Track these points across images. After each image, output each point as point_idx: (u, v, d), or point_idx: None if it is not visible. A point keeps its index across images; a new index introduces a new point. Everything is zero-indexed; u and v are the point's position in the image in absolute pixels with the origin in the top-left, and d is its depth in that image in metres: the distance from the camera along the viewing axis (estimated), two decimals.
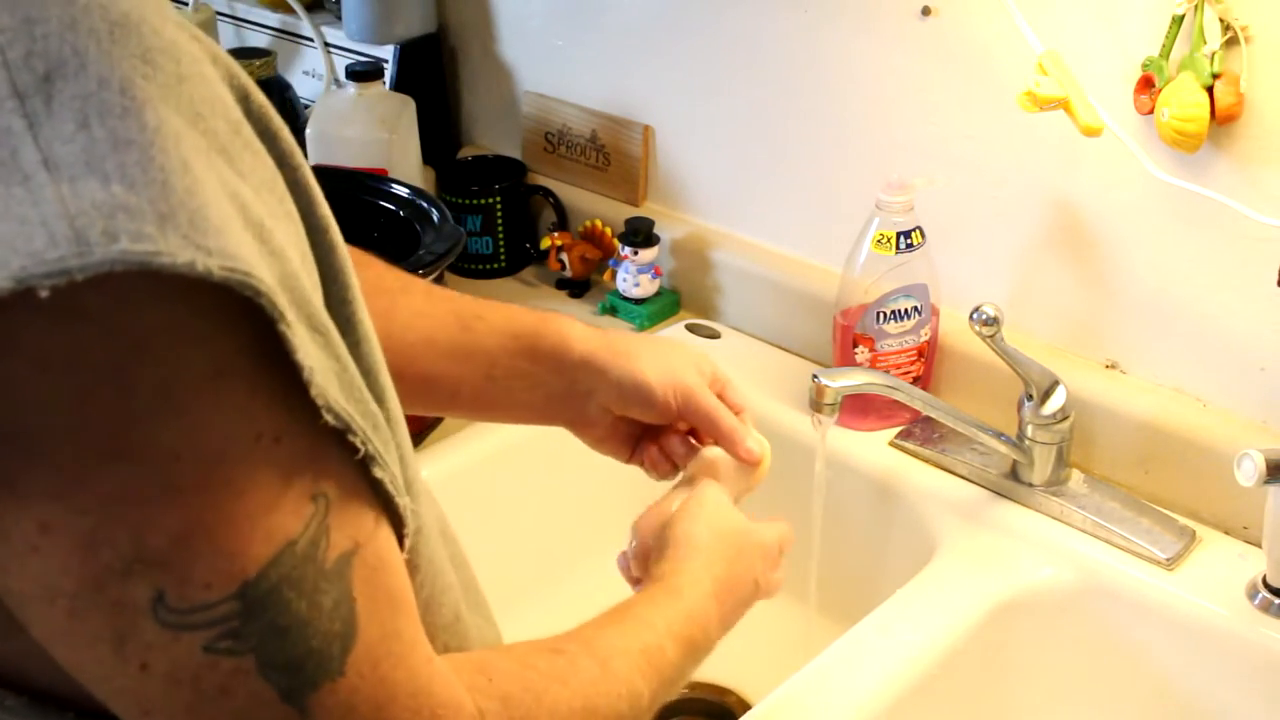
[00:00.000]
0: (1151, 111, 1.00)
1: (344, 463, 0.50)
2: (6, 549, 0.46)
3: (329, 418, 0.48)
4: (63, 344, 0.43)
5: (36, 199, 0.42)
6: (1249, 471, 0.92)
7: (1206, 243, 1.04)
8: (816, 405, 1.04)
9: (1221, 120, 0.97)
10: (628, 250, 1.38)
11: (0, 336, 0.42)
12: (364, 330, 0.55)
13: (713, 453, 0.89)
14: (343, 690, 0.50)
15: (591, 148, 1.48)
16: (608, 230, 1.45)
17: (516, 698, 0.60)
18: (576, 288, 1.48)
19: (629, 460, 0.92)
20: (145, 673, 0.47)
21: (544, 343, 0.85)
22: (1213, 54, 0.96)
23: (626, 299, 1.41)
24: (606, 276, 1.44)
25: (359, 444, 0.50)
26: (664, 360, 0.88)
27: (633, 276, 1.39)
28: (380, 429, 0.53)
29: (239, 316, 0.45)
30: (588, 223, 1.47)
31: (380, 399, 0.54)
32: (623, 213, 1.43)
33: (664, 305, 1.41)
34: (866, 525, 1.19)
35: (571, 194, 1.51)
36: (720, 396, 0.91)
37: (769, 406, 1.24)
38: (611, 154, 1.46)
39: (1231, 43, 0.96)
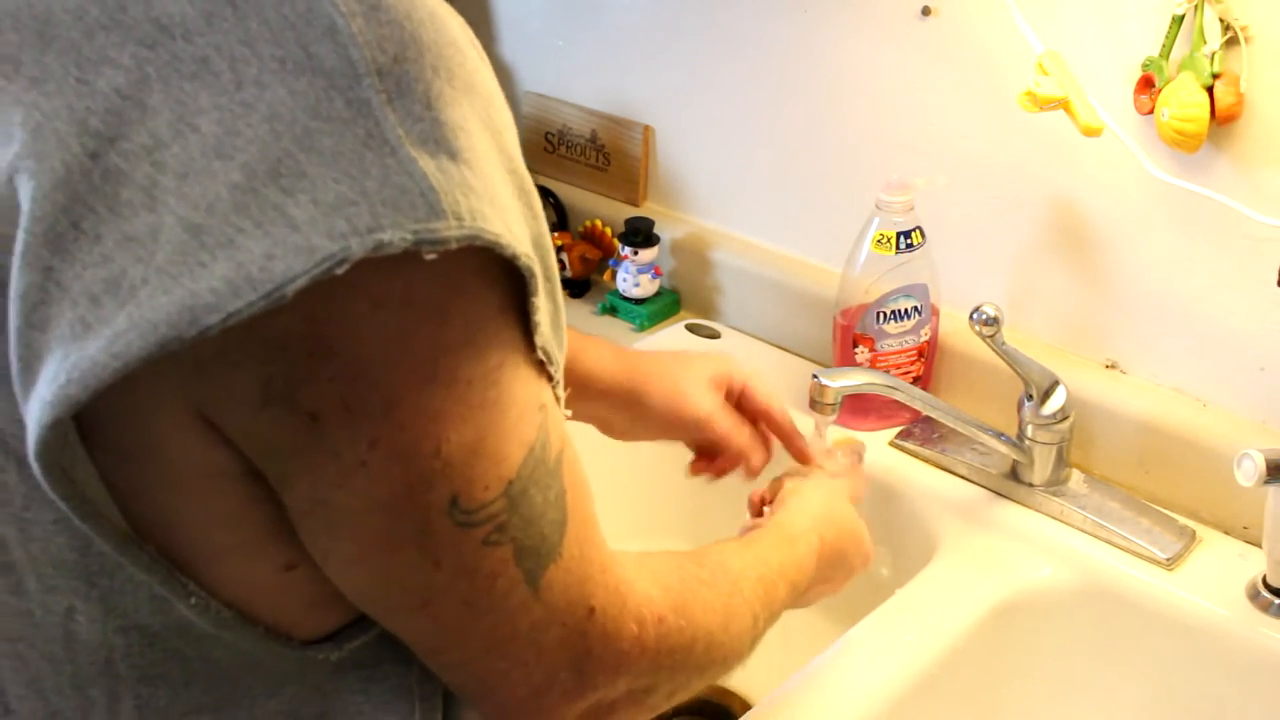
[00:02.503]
0: (1151, 111, 1.00)
1: (549, 379, 0.58)
2: (338, 466, 0.52)
3: (541, 355, 0.56)
4: (396, 288, 0.50)
5: (411, 170, 0.48)
6: (1249, 471, 0.92)
7: (1206, 243, 1.04)
8: (816, 405, 1.04)
9: (1221, 120, 0.97)
10: (628, 250, 1.38)
11: (352, 282, 0.48)
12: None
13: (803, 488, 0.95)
14: (561, 569, 0.59)
15: (591, 148, 1.48)
16: (608, 230, 1.45)
17: (675, 589, 0.68)
18: (576, 288, 1.47)
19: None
20: (438, 567, 0.55)
21: (571, 375, 0.92)
22: (1213, 54, 0.96)
23: (626, 299, 1.41)
24: (606, 276, 1.44)
25: (553, 372, 0.58)
26: (675, 387, 0.95)
27: (633, 276, 1.39)
28: (563, 351, 0.60)
29: (511, 273, 0.53)
30: (588, 223, 1.47)
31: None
32: (623, 213, 1.43)
33: (664, 305, 1.41)
34: (867, 525, 1.19)
35: (571, 194, 1.51)
36: (741, 399, 0.98)
37: None
38: (611, 154, 1.46)
39: (1231, 43, 0.96)
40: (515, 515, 0.56)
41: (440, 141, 0.49)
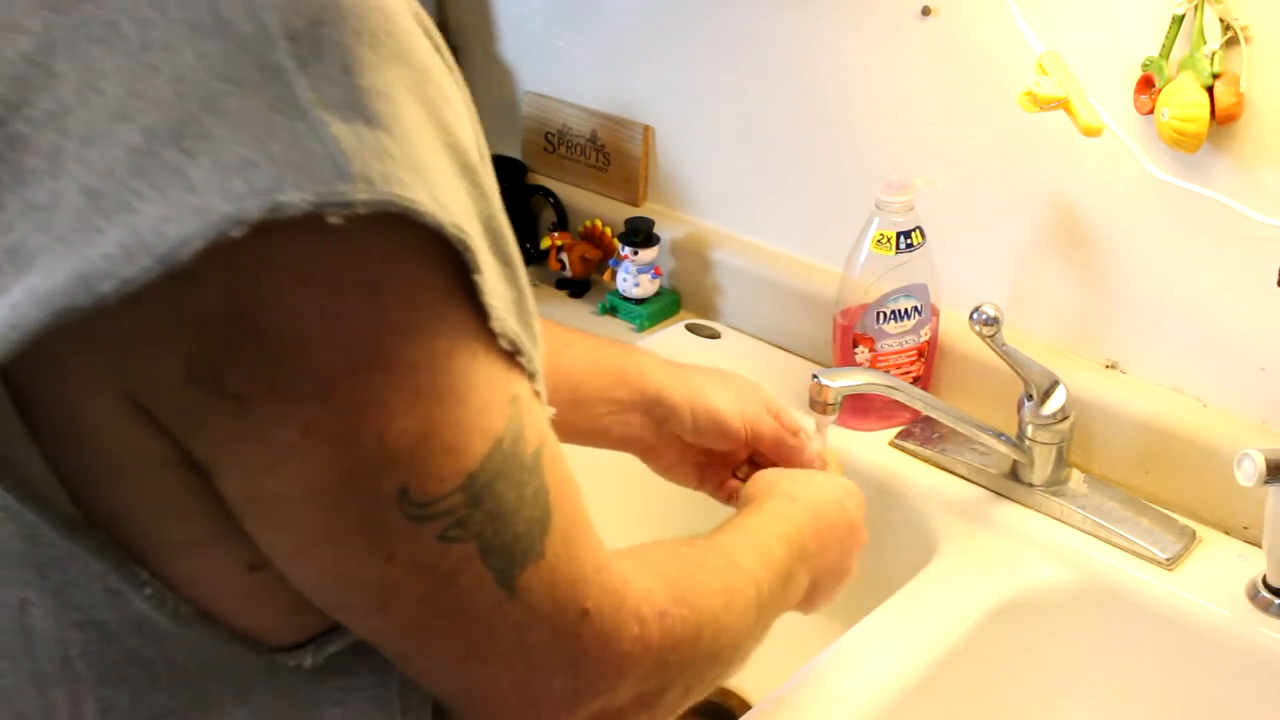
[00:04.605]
0: (1151, 111, 1.00)
1: (522, 371, 0.56)
2: (269, 452, 0.50)
3: (504, 343, 0.54)
4: (323, 262, 0.48)
5: (321, 134, 0.46)
6: (1249, 471, 0.92)
7: (1206, 243, 1.04)
8: (816, 405, 1.04)
9: (1221, 120, 0.97)
10: (628, 250, 1.38)
11: (266, 253, 0.46)
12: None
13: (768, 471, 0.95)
14: (543, 570, 0.56)
15: (591, 148, 1.48)
16: (608, 230, 1.45)
17: (673, 578, 0.66)
18: (576, 288, 1.48)
19: (698, 487, 1.00)
20: (390, 563, 0.53)
21: (626, 374, 0.93)
22: (1213, 54, 0.96)
23: (626, 299, 1.41)
24: (606, 276, 1.44)
25: (524, 363, 0.55)
26: (732, 392, 0.96)
27: (633, 276, 1.39)
28: (539, 346, 0.58)
29: (459, 253, 0.51)
30: (588, 223, 1.47)
31: (536, 316, 0.60)
32: (623, 213, 1.43)
33: (664, 305, 1.42)
34: (866, 525, 1.19)
35: (571, 194, 1.51)
36: (776, 419, 0.98)
37: None
38: (611, 154, 1.46)
39: (1231, 43, 0.96)
40: (478, 510, 0.53)
41: (356, 107, 0.47)
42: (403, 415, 0.50)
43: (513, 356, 0.55)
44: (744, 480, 0.97)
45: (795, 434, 0.98)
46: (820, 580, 0.85)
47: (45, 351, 0.47)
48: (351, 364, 0.49)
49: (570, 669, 0.59)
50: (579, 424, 0.92)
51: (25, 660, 0.56)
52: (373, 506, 0.51)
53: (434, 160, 0.50)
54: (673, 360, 0.98)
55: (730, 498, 0.99)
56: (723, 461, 0.99)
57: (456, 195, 0.51)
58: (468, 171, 0.52)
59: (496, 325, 0.53)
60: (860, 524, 0.91)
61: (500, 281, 0.54)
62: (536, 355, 0.57)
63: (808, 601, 0.85)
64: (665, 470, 0.99)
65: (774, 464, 0.97)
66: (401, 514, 0.52)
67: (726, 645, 0.69)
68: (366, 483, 0.51)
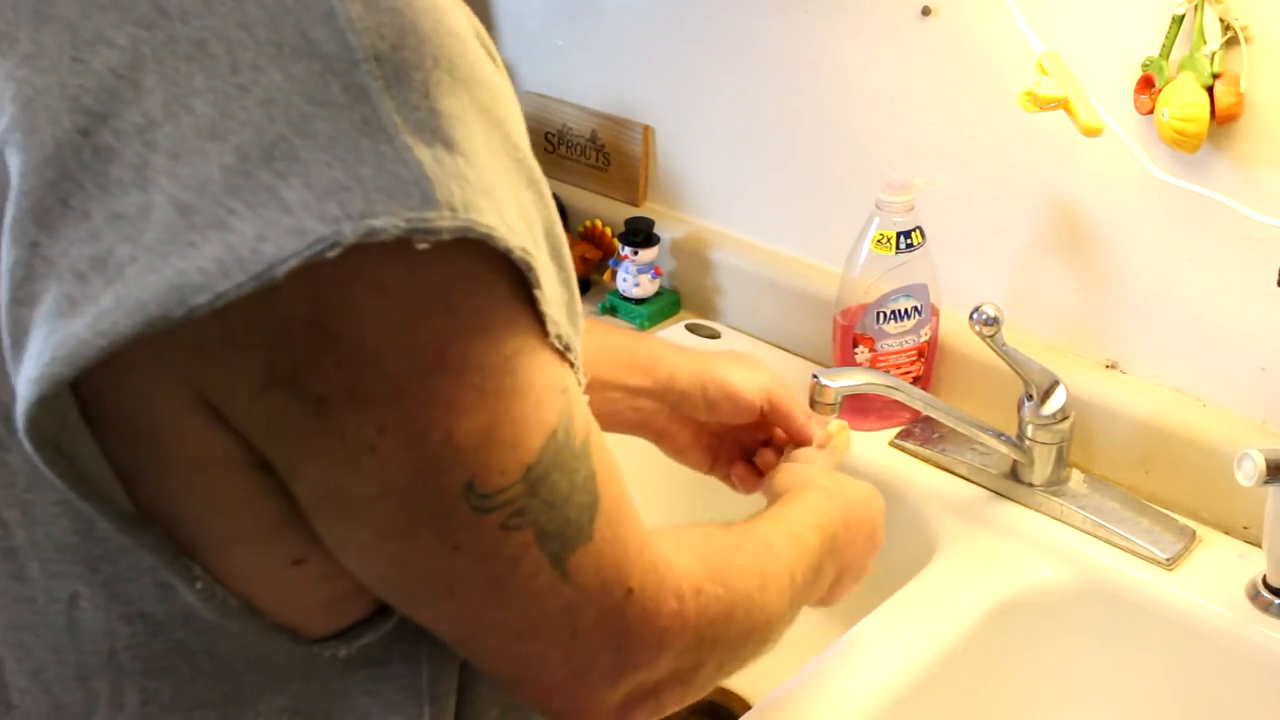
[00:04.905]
0: (1151, 111, 1.00)
1: (571, 366, 0.58)
2: (346, 451, 0.52)
3: (557, 343, 0.56)
4: (399, 276, 0.50)
5: (406, 158, 0.48)
6: (1249, 471, 0.92)
7: (1206, 243, 1.04)
8: (816, 405, 1.04)
9: (1221, 120, 0.97)
10: (628, 250, 1.38)
11: (350, 269, 0.48)
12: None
13: (800, 456, 0.97)
14: (593, 551, 0.59)
15: (591, 148, 1.48)
16: (608, 230, 1.45)
17: (710, 559, 0.69)
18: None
19: (709, 471, 1.02)
20: (458, 552, 0.55)
21: (638, 359, 0.95)
22: (1213, 54, 0.96)
23: (626, 299, 1.41)
24: (606, 276, 1.44)
25: (572, 359, 0.58)
26: (744, 366, 0.98)
27: (633, 276, 1.39)
28: (580, 340, 0.60)
29: (523, 271, 0.53)
30: (588, 223, 1.47)
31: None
32: (623, 213, 1.43)
33: (664, 305, 1.42)
34: None
35: (571, 194, 1.51)
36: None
37: None
38: (611, 154, 1.46)
39: (1231, 43, 0.96)
40: (535, 499, 0.56)
41: (437, 131, 0.49)
42: (469, 414, 0.53)
43: (563, 354, 0.57)
44: (758, 465, 1.00)
45: (806, 414, 1.00)
46: (844, 575, 0.87)
47: (119, 353, 0.48)
48: (423, 368, 0.51)
49: (615, 645, 0.61)
50: (593, 410, 0.94)
51: (70, 653, 0.57)
52: (442, 500, 0.54)
53: (504, 180, 0.52)
54: (684, 346, 1.00)
55: (743, 482, 1.01)
56: (736, 445, 1.01)
57: (524, 210, 0.53)
58: (534, 183, 0.55)
59: (552, 329, 0.55)
60: (881, 527, 0.93)
61: (555, 284, 0.56)
62: (579, 349, 0.59)
63: (829, 595, 0.88)
64: (678, 454, 1.01)
65: (786, 445, 0.99)
66: (468, 506, 0.54)
67: (760, 624, 0.72)
68: (436, 478, 0.53)
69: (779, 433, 1.00)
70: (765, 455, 1.00)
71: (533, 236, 0.54)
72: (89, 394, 0.51)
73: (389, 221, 0.47)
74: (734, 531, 0.75)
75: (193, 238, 0.47)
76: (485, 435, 0.53)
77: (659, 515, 1.20)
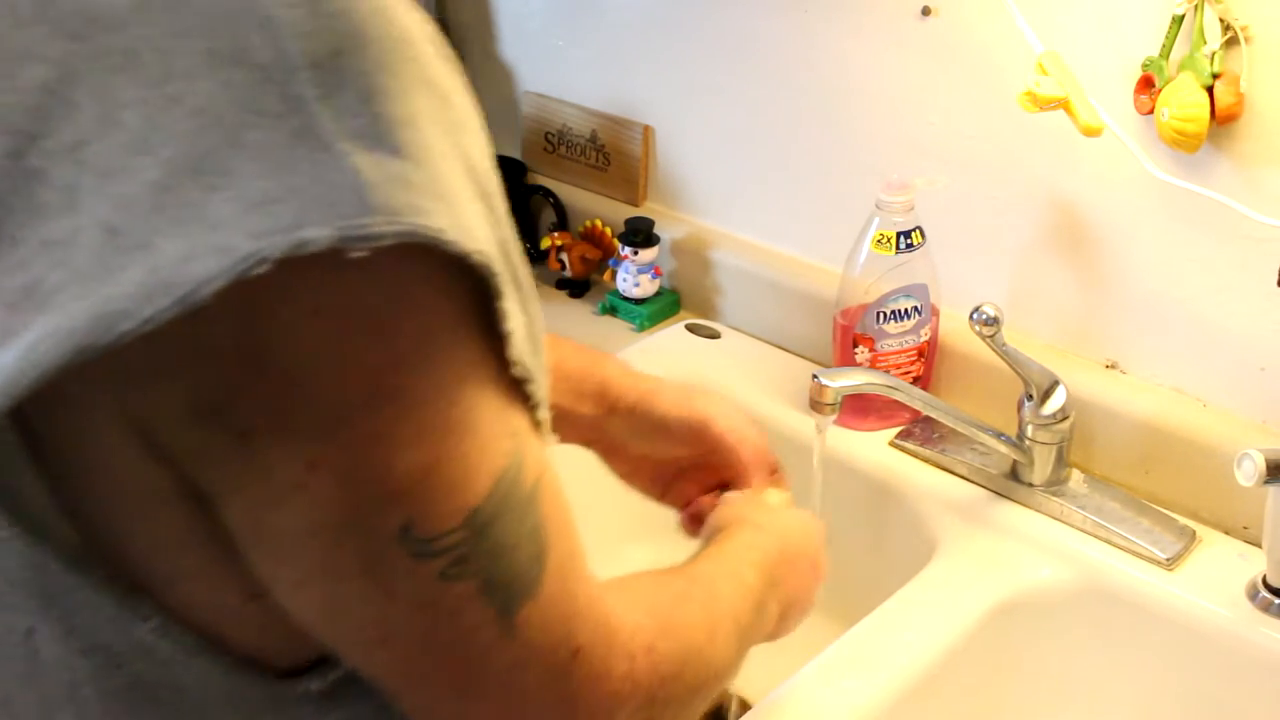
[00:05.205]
0: (1151, 111, 1.00)
1: (523, 401, 0.55)
2: (268, 488, 0.49)
3: (518, 370, 0.53)
4: (334, 296, 0.47)
5: (342, 166, 0.45)
6: (1249, 471, 0.92)
7: (1206, 243, 1.04)
8: (816, 405, 1.04)
9: (1221, 120, 0.97)
10: (628, 250, 1.38)
11: (282, 287, 0.45)
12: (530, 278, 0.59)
13: (730, 500, 0.90)
14: (540, 606, 0.55)
15: (591, 148, 1.48)
16: (608, 230, 1.45)
17: (660, 611, 0.65)
18: (576, 288, 1.48)
19: (661, 500, 0.95)
20: (391, 600, 0.52)
21: (587, 386, 0.90)
22: (1213, 54, 0.96)
23: (626, 299, 1.41)
24: (606, 276, 1.44)
25: (532, 391, 0.54)
26: (685, 394, 0.92)
27: (633, 276, 1.39)
28: (544, 373, 0.57)
29: (469, 278, 0.50)
30: (588, 223, 1.47)
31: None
32: (623, 213, 1.43)
33: (664, 305, 1.42)
34: (866, 525, 1.19)
35: (571, 194, 1.51)
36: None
37: (769, 406, 1.24)
38: (611, 154, 1.46)
39: (1231, 43, 0.96)
40: (480, 547, 0.52)
41: (380, 136, 0.46)
42: (409, 450, 0.49)
43: (520, 385, 0.54)
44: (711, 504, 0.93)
45: (755, 462, 0.92)
46: (789, 609, 0.83)
47: (53, 384, 0.46)
48: (360, 398, 0.48)
49: (561, 707, 0.58)
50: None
51: (33, 685, 0.56)
52: (375, 543, 0.50)
53: (459, 186, 0.49)
54: (635, 372, 0.94)
55: (693, 519, 0.93)
56: (695, 482, 0.94)
57: (479, 221, 0.50)
58: (485, 197, 0.51)
59: (514, 352, 0.52)
60: (823, 554, 0.88)
61: (517, 307, 0.53)
62: (543, 382, 0.56)
63: (777, 630, 0.83)
64: (625, 478, 0.95)
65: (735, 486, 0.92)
66: (404, 551, 0.51)
67: (710, 677, 0.68)
68: (370, 519, 0.50)
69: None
70: (702, 504, 0.93)
71: (491, 248, 0.50)
72: (29, 426, 0.50)
73: (319, 231, 0.44)
74: (681, 577, 0.72)
75: (121, 261, 0.44)
76: (426, 475, 0.50)
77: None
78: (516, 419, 0.54)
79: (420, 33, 0.50)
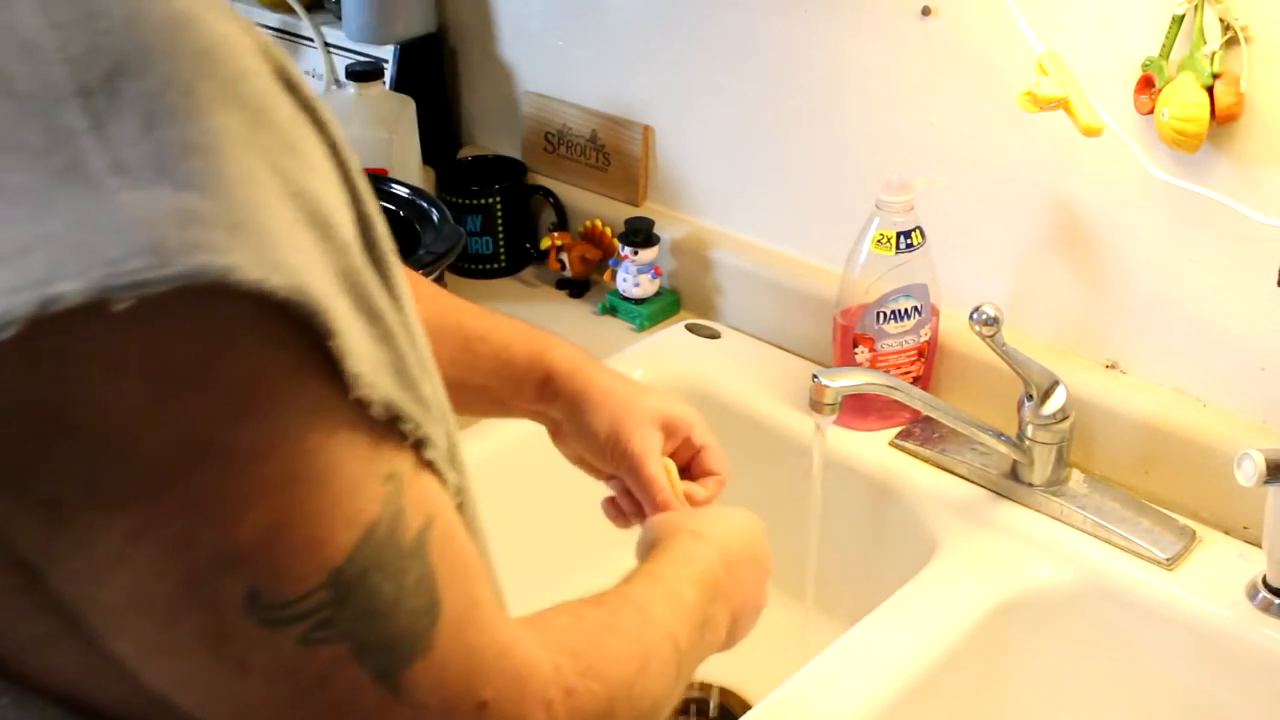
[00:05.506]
0: (1151, 111, 1.00)
1: (405, 442, 0.50)
2: (89, 561, 0.44)
3: (379, 411, 0.48)
4: (137, 348, 0.42)
5: (108, 205, 0.40)
6: (1249, 471, 0.93)
7: (1206, 243, 1.04)
8: (816, 405, 1.04)
9: (1221, 120, 0.97)
10: (628, 250, 1.38)
11: (71, 343, 0.41)
12: (407, 299, 0.54)
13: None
14: (434, 664, 0.50)
15: (591, 148, 1.48)
16: (608, 230, 1.45)
17: (581, 649, 0.60)
18: (576, 288, 1.48)
19: (605, 480, 0.92)
20: (244, 673, 0.47)
21: (531, 376, 0.88)
22: (1213, 54, 0.96)
23: (626, 299, 1.41)
24: (606, 276, 1.44)
25: (408, 430, 0.49)
26: (620, 406, 0.88)
27: (633, 276, 1.39)
28: (430, 406, 0.52)
29: (304, 318, 0.44)
30: (588, 223, 1.47)
31: (426, 369, 0.54)
32: (623, 213, 1.43)
33: (664, 305, 1.42)
34: (866, 525, 1.19)
35: (571, 194, 1.51)
36: (693, 457, 0.90)
37: (769, 406, 1.24)
38: (611, 154, 1.46)
39: (1231, 43, 0.96)
40: (347, 608, 0.47)
41: (163, 166, 0.41)
42: (246, 511, 0.44)
43: (391, 425, 0.49)
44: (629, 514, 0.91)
45: (709, 474, 0.90)
46: (739, 616, 0.79)
47: None
48: (179, 459, 0.43)
49: None
50: (489, 411, 0.91)
51: None
52: (216, 615, 0.45)
53: (272, 213, 0.43)
54: (591, 359, 0.91)
55: (610, 517, 0.91)
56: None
57: (302, 250, 0.44)
58: (317, 224, 0.46)
59: (364, 394, 0.46)
60: (767, 552, 0.83)
61: (367, 342, 0.47)
62: (430, 418, 0.51)
63: (729, 640, 0.79)
64: (571, 460, 0.92)
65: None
66: (253, 620, 0.46)
67: (645, 710, 0.64)
68: (207, 590, 0.45)
69: (700, 459, 0.90)
70: (613, 507, 0.91)
71: (317, 279, 0.44)
72: None
73: (70, 285, 0.39)
74: (606, 606, 0.66)
75: None
76: (271, 535, 0.45)
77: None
78: (393, 462, 0.49)
79: (239, 45, 0.45)
